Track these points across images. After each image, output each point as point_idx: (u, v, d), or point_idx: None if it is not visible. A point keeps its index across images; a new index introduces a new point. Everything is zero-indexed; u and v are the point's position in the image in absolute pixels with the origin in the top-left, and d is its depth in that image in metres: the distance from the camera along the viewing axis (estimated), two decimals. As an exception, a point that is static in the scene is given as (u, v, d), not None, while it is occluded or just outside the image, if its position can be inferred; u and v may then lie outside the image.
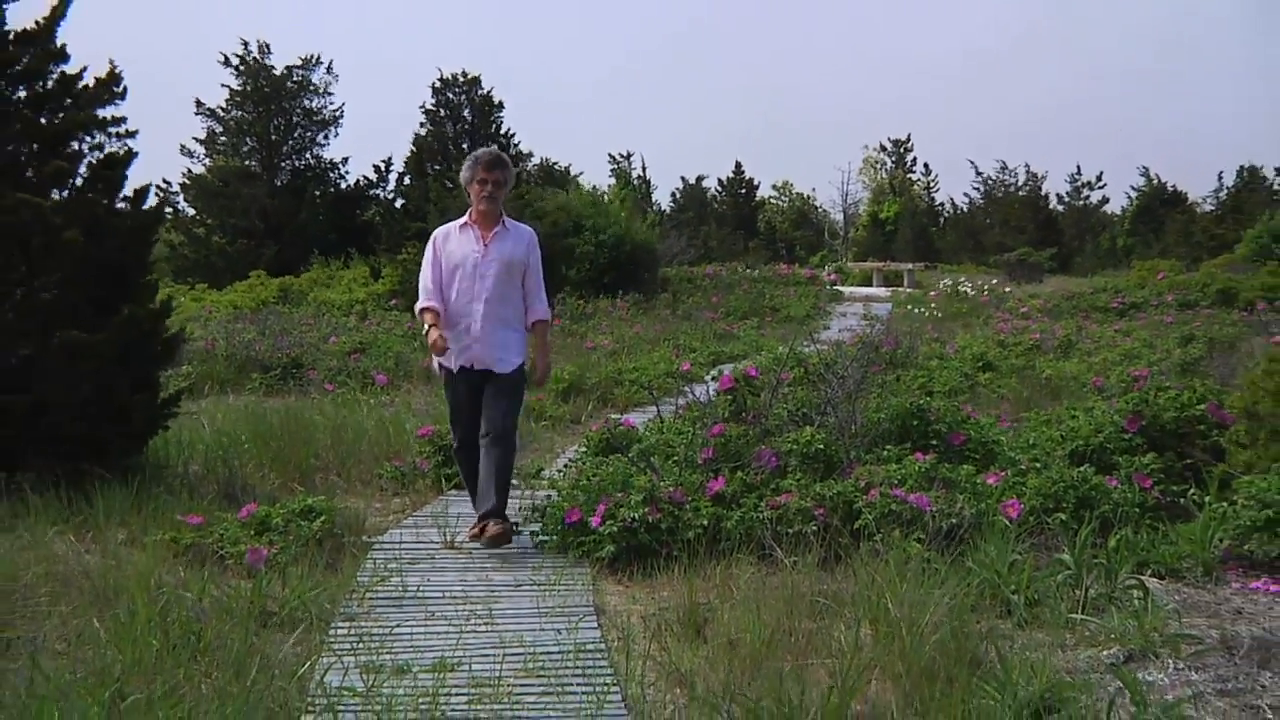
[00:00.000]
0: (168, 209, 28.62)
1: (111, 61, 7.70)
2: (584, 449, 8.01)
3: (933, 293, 24.90)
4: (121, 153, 7.52)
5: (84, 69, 7.48)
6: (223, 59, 30.30)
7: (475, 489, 6.13)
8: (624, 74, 76.06)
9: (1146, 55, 74.75)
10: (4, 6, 7.18)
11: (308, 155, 31.15)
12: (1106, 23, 77.13)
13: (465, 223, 6.19)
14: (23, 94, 7.26)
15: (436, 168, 29.71)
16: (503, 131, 31.45)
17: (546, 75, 72.74)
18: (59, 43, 7.34)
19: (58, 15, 7.33)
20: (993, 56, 77.69)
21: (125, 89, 7.64)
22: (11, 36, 7.22)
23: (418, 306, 6.17)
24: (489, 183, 6.07)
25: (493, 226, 6.13)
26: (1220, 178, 36.88)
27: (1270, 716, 3.62)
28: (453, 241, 6.16)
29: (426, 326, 6.06)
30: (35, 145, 7.27)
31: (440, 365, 6.21)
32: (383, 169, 31.34)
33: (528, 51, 72.80)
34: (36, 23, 7.29)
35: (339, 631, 4.71)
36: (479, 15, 77.75)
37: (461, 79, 31.50)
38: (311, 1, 75.16)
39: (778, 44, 77.39)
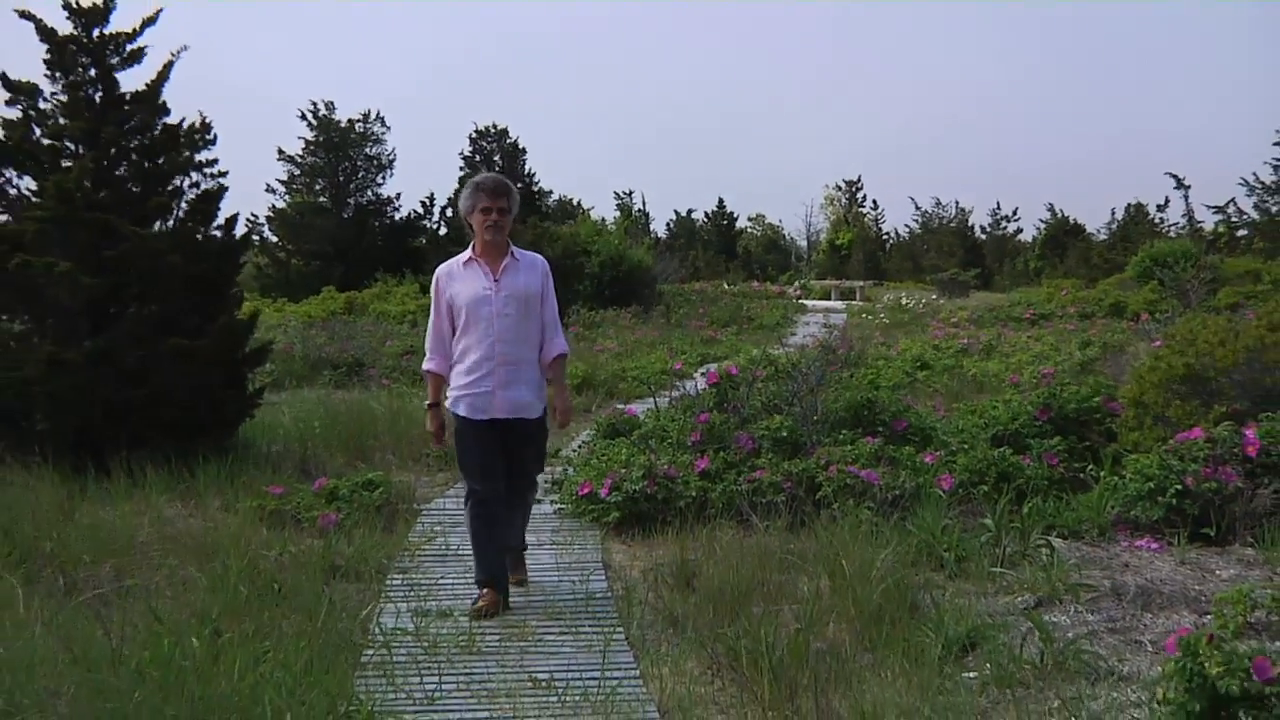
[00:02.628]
0: (255, 237, 28.58)
1: (202, 114, 7.81)
2: (594, 433, 8.01)
3: (879, 305, 24.85)
4: (214, 189, 7.58)
5: (182, 120, 7.56)
6: (300, 115, 30.36)
7: (485, 550, 4.43)
8: (631, 128, 76.08)
9: (1061, 108, 74.59)
10: (116, 76, 7.26)
11: (368, 192, 31.15)
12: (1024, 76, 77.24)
13: (469, 258, 4.54)
14: (134, 143, 7.30)
15: (473, 202, 29.60)
16: (527, 172, 31.45)
17: (565, 121, 72.51)
18: (162, 100, 7.40)
19: (162, 79, 7.41)
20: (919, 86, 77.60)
21: (215, 136, 7.71)
22: (126, 97, 7.29)
23: (423, 367, 4.58)
24: (494, 210, 4.45)
25: (501, 258, 4.50)
26: (1113, 212, 36.79)
27: (1150, 649, 3.64)
28: (458, 280, 4.51)
29: (427, 404, 4.54)
30: (143, 184, 7.31)
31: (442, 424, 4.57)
32: (427, 203, 31.39)
33: (550, 99, 72.66)
34: (146, 84, 7.35)
35: (394, 582, 4.74)
36: (506, 69, 77.58)
37: (493, 130, 31.55)
38: (370, 62, 75.30)
39: (762, 100, 77.27)
